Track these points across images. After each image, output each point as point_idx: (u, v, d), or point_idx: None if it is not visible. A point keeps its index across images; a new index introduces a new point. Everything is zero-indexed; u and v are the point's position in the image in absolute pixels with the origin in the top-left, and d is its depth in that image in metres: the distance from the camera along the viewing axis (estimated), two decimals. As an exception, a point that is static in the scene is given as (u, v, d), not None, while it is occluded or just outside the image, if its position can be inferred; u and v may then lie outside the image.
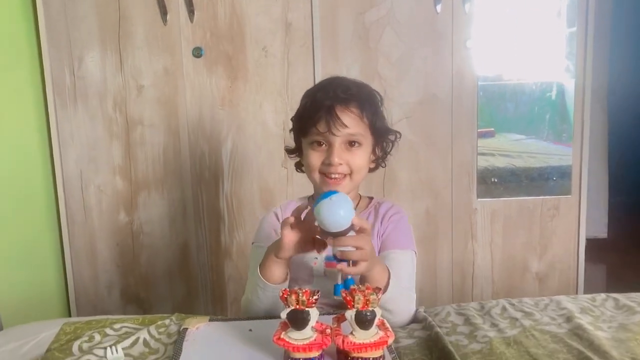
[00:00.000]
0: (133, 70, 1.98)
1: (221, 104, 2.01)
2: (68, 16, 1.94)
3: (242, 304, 1.19)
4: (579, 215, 2.13)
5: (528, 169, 2.16)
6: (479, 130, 2.09)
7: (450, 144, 2.08)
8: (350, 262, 1.00)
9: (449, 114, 2.06)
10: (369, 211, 1.27)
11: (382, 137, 1.24)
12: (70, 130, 2.00)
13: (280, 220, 1.25)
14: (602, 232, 3.25)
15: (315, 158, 1.17)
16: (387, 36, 2.00)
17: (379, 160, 1.26)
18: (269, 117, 2.02)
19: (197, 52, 1.97)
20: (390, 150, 1.28)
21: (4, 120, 1.78)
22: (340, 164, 1.15)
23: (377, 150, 1.24)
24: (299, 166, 1.31)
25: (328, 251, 1.13)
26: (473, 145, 2.09)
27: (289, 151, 1.31)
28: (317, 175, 1.18)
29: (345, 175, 1.17)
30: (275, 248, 1.07)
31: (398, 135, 1.28)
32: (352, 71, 2.00)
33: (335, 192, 1.00)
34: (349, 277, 1.05)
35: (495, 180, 2.14)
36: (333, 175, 1.16)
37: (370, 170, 1.26)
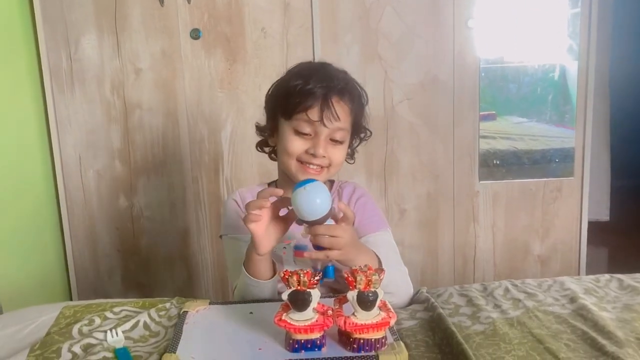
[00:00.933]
0: (130, 53, 1.96)
1: (220, 86, 1.99)
2: (64, -2, 1.91)
3: (236, 297, 1.16)
4: (581, 197, 2.12)
5: (530, 152, 2.15)
6: (480, 113, 2.07)
7: (451, 126, 2.06)
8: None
9: (451, 95, 2.04)
10: (333, 195, 1.23)
11: (358, 134, 1.21)
12: (67, 115, 1.98)
13: (242, 207, 1.22)
14: (604, 215, 3.24)
15: (298, 145, 1.12)
16: (387, 16, 1.97)
17: (347, 157, 1.22)
18: (269, 99, 1.99)
19: (195, 34, 1.94)
20: (357, 147, 1.24)
21: (1, 105, 1.76)
22: (324, 157, 1.12)
23: (349, 147, 1.21)
24: (262, 145, 1.26)
25: (297, 241, 1.13)
26: (475, 127, 2.07)
27: (259, 129, 1.25)
28: (294, 162, 1.13)
29: (323, 167, 1.14)
30: (253, 246, 1.03)
31: (369, 134, 1.24)
32: (352, 52, 1.98)
33: (312, 180, 0.98)
34: (330, 264, 1.04)
35: (497, 162, 2.12)
36: (313, 166, 1.12)
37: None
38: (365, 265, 0.89)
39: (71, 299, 2.08)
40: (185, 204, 2.06)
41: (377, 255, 1.08)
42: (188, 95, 1.99)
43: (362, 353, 0.86)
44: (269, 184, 1.27)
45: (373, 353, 0.86)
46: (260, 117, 2.02)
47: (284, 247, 1.17)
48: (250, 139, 2.01)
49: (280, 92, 1.17)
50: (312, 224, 0.98)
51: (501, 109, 2.13)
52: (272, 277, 1.08)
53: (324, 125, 1.10)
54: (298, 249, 1.14)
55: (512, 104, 2.13)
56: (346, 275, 0.87)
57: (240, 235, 1.19)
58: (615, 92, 3.27)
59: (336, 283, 1.12)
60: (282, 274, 0.87)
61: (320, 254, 0.99)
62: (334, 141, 1.12)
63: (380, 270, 0.88)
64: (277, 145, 1.19)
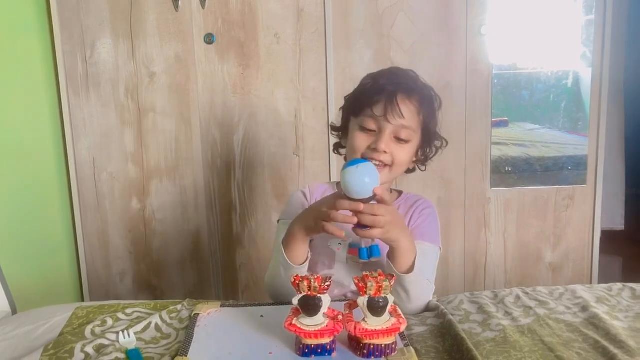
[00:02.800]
0: (145, 58, 1.98)
1: (233, 91, 2.00)
2: (80, 3, 1.93)
3: (266, 281, 1.19)
4: (594, 205, 2.10)
5: (542, 159, 2.14)
6: (492, 119, 2.07)
7: (463, 132, 2.05)
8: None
9: (463, 102, 2.04)
10: (399, 203, 1.25)
11: (429, 140, 1.22)
12: (82, 118, 2.01)
13: (309, 200, 1.26)
14: (618, 224, 3.20)
15: (362, 140, 1.15)
16: (400, 22, 1.98)
17: (418, 162, 1.25)
18: (281, 104, 2.01)
19: (209, 39, 1.96)
20: (433, 156, 1.26)
21: (17, 108, 1.79)
22: (385, 153, 1.13)
23: (419, 152, 1.22)
24: (337, 147, 1.30)
25: (353, 240, 1.13)
26: (487, 133, 2.06)
27: (334, 128, 1.29)
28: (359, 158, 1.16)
29: (386, 165, 1.15)
30: (304, 228, 1.05)
31: (445, 143, 1.26)
32: (364, 58, 1.98)
33: (364, 159, 1.01)
34: (375, 242, 1.04)
35: (509, 169, 2.11)
36: (375, 162, 1.13)
37: (408, 170, 1.24)
38: (376, 271, 0.89)
39: (83, 300, 2.10)
40: (198, 207, 2.07)
41: (416, 251, 1.08)
42: (201, 99, 2.01)
43: (373, 358, 0.87)
44: (337, 183, 1.29)
45: (383, 359, 0.86)
46: (274, 122, 2.05)
47: (340, 244, 1.19)
48: (263, 143, 2.03)
49: (354, 93, 1.22)
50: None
51: (514, 116, 2.12)
52: (304, 262, 1.10)
53: (388, 121, 1.12)
54: (353, 247, 1.14)
55: (524, 110, 2.12)
56: (356, 282, 0.88)
57: None
58: (630, 99, 3.24)
59: (381, 262, 1.11)
60: (293, 279, 0.88)
61: (365, 232, 1.00)
62: (399, 139, 1.14)
63: (390, 276, 0.88)
64: (347, 145, 1.23)
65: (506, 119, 2.11)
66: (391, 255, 1.08)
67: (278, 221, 1.28)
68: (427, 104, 1.18)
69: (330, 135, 1.31)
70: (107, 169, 2.04)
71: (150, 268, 2.11)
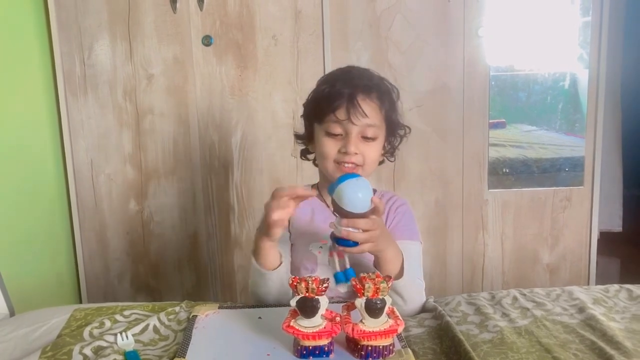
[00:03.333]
0: (143, 59, 1.98)
1: (231, 92, 2.00)
2: (78, 5, 1.93)
3: (250, 291, 1.19)
4: (591, 207, 2.11)
5: (540, 160, 2.14)
6: (490, 121, 2.07)
7: (461, 134, 2.06)
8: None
9: (460, 103, 2.04)
10: None
11: (394, 131, 1.24)
12: (80, 119, 2.01)
13: None
14: (616, 226, 3.20)
15: (331, 146, 1.16)
16: (397, 24, 1.98)
17: (387, 154, 1.27)
18: (279, 106, 2.01)
19: (207, 41, 1.96)
20: (399, 145, 1.28)
21: (15, 109, 1.79)
22: (356, 154, 1.15)
23: (386, 144, 1.24)
24: (305, 154, 1.31)
25: (330, 242, 1.13)
26: (484, 135, 2.07)
27: (298, 137, 1.30)
28: (330, 164, 1.18)
29: (358, 165, 1.17)
30: (265, 233, 1.05)
31: (408, 130, 1.27)
32: (362, 60, 1.99)
33: (357, 175, 1.02)
34: (348, 267, 1.05)
35: (507, 170, 2.12)
36: (347, 165, 1.16)
37: (379, 163, 1.26)
38: (374, 273, 0.89)
39: (81, 302, 2.10)
40: (195, 209, 2.07)
41: (402, 256, 1.10)
42: (199, 101, 2.01)
43: (370, 360, 0.87)
44: (313, 185, 1.30)
45: (380, 360, 0.86)
46: (272, 124, 2.05)
47: (320, 247, 1.20)
48: (261, 145, 2.03)
49: (312, 99, 1.23)
50: (350, 217, 0.99)
51: (511, 117, 2.13)
52: (277, 267, 1.11)
53: (352, 122, 1.13)
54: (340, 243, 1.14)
55: (522, 112, 2.12)
56: (354, 283, 0.88)
57: None
58: (627, 101, 3.25)
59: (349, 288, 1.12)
60: (291, 281, 0.88)
61: (355, 249, 1.01)
62: (366, 138, 1.16)
63: (388, 277, 0.89)
64: (315, 151, 1.23)
65: (503, 120, 2.12)
66: (378, 264, 1.09)
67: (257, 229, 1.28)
68: (387, 97, 1.19)
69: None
70: (105, 171, 2.04)
71: (148, 270, 2.11)
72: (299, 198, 1.04)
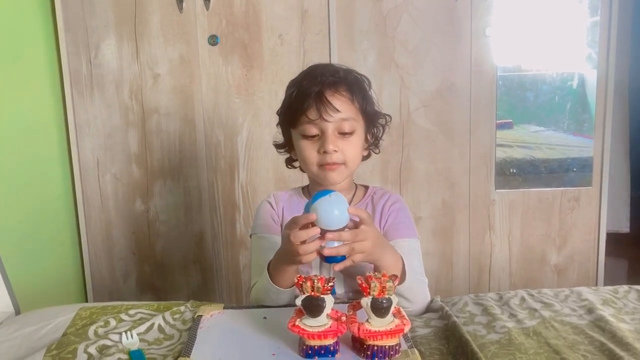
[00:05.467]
0: (149, 59, 1.98)
1: (237, 92, 2.00)
2: (85, 5, 1.94)
3: (253, 299, 1.15)
4: (599, 207, 2.09)
5: (547, 161, 2.13)
6: (497, 121, 2.06)
7: (468, 133, 2.05)
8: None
9: (468, 103, 2.03)
10: (365, 202, 1.23)
11: (373, 122, 1.20)
12: (86, 119, 2.01)
13: (276, 209, 1.24)
14: (624, 227, 3.18)
15: (309, 149, 1.13)
16: (404, 23, 1.97)
17: (371, 147, 1.23)
18: (285, 106, 2.00)
19: (213, 40, 1.96)
20: (382, 136, 1.24)
21: (22, 108, 1.79)
22: (336, 151, 1.12)
23: (368, 136, 1.21)
24: (289, 162, 1.28)
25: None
26: (492, 135, 2.06)
27: (278, 146, 1.27)
28: (314, 168, 1.15)
29: (341, 164, 1.14)
30: (289, 258, 1.00)
31: (389, 119, 1.23)
32: (368, 59, 1.98)
33: (330, 191, 0.97)
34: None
35: (514, 171, 2.10)
36: (329, 164, 1.12)
37: (364, 158, 1.22)
38: (380, 272, 0.89)
39: (87, 301, 2.10)
40: (201, 209, 2.07)
41: (402, 259, 1.07)
42: (205, 100, 2.01)
43: (376, 360, 0.86)
44: (302, 189, 1.28)
45: (387, 360, 0.86)
46: (275, 123, 2.04)
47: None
48: (267, 145, 2.03)
49: (283, 105, 1.21)
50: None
51: (518, 118, 2.11)
52: (293, 285, 1.07)
53: (325, 120, 1.11)
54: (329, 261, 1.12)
55: (529, 112, 2.11)
56: (360, 282, 0.87)
57: (268, 235, 1.21)
58: (635, 101, 3.22)
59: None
60: (296, 280, 0.87)
61: (347, 261, 0.97)
62: (344, 134, 1.13)
63: (394, 277, 0.88)
64: (297, 157, 1.20)
65: (511, 120, 2.11)
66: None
67: (250, 235, 1.26)
68: (357, 88, 1.15)
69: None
70: (111, 170, 2.05)
71: (154, 269, 2.11)
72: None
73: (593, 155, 2.08)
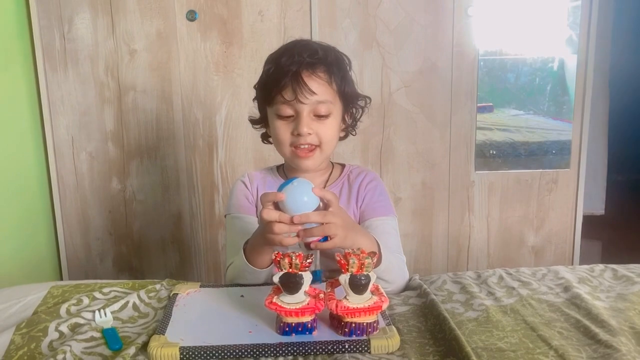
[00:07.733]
0: (125, 34, 1.93)
1: (215, 69, 1.96)
2: (58, -24, 1.87)
3: (229, 278, 1.13)
4: (577, 189, 2.11)
5: (527, 143, 2.14)
6: (478, 104, 2.06)
7: (449, 115, 2.04)
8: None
9: (449, 85, 2.02)
10: (341, 181, 1.22)
11: (352, 103, 1.17)
12: (60, 96, 1.96)
13: (250, 189, 1.22)
14: (599, 209, 3.24)
15: (283, 129, 1.11)
16: (386, 2, 1.95)
17: (348, 128, 1.20)
18: (265, 84, 1.97)
19: (191, 16, 1.92)
20: (360, 117, 1.21)
21: (-8, 82, 1.74)
22: (310, 134, 1.09)
23: (346, 117, 1.18)
24: (264, 137, 1.25)
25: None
26: (472, 117, 2.05)
27: (253, 122, 1.24)
28: (287, 149, 1.12)
29: (315, 146, 1.11)
30: (265, 238, 0.98)
31: (368, 101, 1.20)
32: (349, 37, 1.96)
33: (293, 178, 0.96)
34: (319, 267, 1.01)
35: (494, 152, 2.11)
36: (302, 145, 1.10)
37: (341, 138, 1.19)
38: (358, 249, 0.88)
39: (62, 280, 2.06)
40: (179, 188, 2.04)
41: (377, 242, 1.05)
42: (183, 77, 1.96)
43: (354, 337, 0.85)
44: (277, 167, 1.26)
45: (365, 337, 0.85)
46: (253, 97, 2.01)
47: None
48: (246, 124, 1.97)
49: (260, 81, 1.17)
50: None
51: (499, 101, 2.11)
52: (269, 265, 1.06)
53: (301, 102, 1.07)
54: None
55: (509, 95, 2.11)
56: (338, 259, 0.86)
57: (242, 215, 1.19)
58: (615, 87, 3.26)
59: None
60: (274, 256, 0.86)
61: (324, 244, 0.95)
62: (319, 117, 1.10)
63: (373, 253, 0.87)
64: (271, 135, 1.18)
65: (491, 104, 2.11)
66: None
67: (225, 216, 1.25)
68: (336, 69, 1.11)
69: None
70: (86, 149, 2.00)
71: (131, 249, 2.08)
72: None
73: (572, 138, 2.10)
